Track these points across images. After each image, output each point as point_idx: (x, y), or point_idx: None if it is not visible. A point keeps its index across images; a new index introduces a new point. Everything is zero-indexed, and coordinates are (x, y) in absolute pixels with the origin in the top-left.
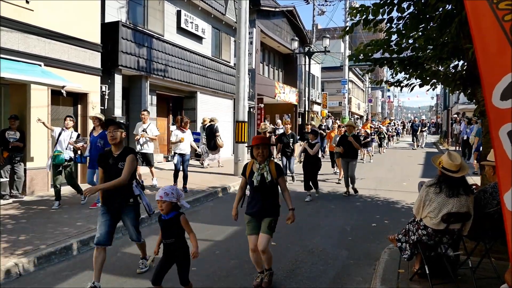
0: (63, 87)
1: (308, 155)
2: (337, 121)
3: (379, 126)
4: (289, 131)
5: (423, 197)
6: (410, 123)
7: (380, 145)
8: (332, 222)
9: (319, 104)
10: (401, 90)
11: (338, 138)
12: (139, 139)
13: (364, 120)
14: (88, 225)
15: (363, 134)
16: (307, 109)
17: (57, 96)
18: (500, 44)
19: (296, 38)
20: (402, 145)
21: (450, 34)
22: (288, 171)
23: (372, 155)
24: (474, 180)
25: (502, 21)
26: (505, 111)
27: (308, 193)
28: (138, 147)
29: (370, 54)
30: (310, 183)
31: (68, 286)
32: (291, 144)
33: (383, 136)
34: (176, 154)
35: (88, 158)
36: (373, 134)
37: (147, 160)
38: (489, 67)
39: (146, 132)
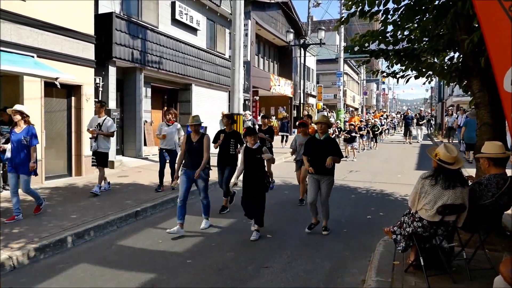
0: (56, 78)
1: (248, 167)
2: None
3: (372, 119)
4: (267, 126)
5: (419, 189)
6: (403, 116)
7: (374, 140)
8: None
9: (314, 96)
10: (397, 81)
11: (304, 143)
12: (95, 136)
13: (358, 112)
14: (83, 218)
15: (348, 129)
16: (302, 101)
17: (50, 88)
18: (508, 33)
19: (291, 30)
20: (398, 138)
21: (446, 26)
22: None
23: (362, 150)
24: (469, 172)
25: (508, 11)
26: None
27: (251, 222)
28: (93, 146)
29: (366, 45)
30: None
31: (63, 278)
32: (232, 146)
33: (376, 129)
34: (163, 151)
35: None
36: (363, 128)
37: (102, 160)
38: (499, 56)
39: (101, 128)
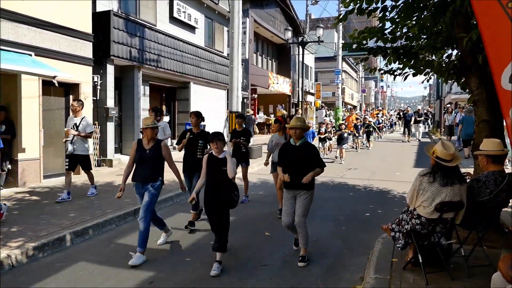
0: (54, 77)
1: (211, 179)
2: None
3: (369, 117)
4: (242, 127)
5: (417, 187)
6: (402, 113)
7: (368, 139)
8: (326, 212)
9: (312, 94)
10: (394, 78)
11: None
12: (73, 137)
13: (357, 110)
14: (82, 216)
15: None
16: (300, 99)
17: (48, 86)
18: (506, 31)
19: (290, 28)
20: (396, 136)
21: (444, 23)
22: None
23: (356, 149)
24: (467, 169)
25: (506, 8)
26: None
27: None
28: (69, 148)
29: (364, 43)
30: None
31: (61, 277)
32: (200, 150)
33: (372, 129)
34: None
35: None
36: (359, 126)
37: (84, 163)
38: (496, 53)
39: (78, 128)
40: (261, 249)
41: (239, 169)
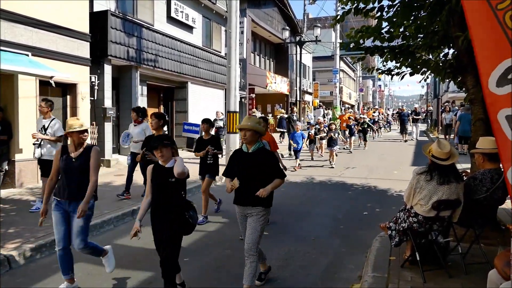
0: (51, 77)
1: (157, 195)
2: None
3: (361, 117)
4: (209, 135)
5: (414, 185)
6: (398, 113)
7: (364, 139)
8: (324, 211)
9: (310, 93)
10: (391, 78)
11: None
12: (41, 141)
13: (354, 109)
14: None
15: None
16: (298, 99)
17: (45, 86)
18: (494, 33)
19: (287, 27)
20: (394, 135)
21: (441, 23)
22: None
23: (349, 151)
24: (464, 167)
25: (496, 10)
26: (502, 96)
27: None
28: (37, 152)
29: (361, 41)
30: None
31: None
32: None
33: (367, 126)
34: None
35: None
36: (353, 126)
37: (50, 170)
38: (485, 55)
39: (46, 131)
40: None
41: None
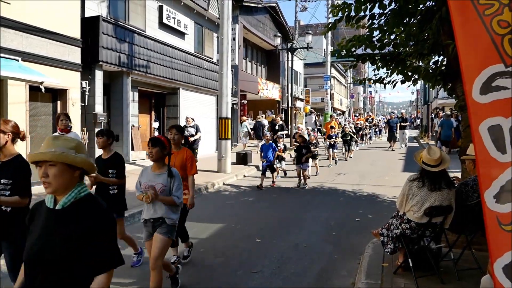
0: (41, 82)
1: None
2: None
3: (344, 125)
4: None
5: (406, 191)
6: (386, 120)
7: (346, 149)
8: (317, 217)
9: (302, 100)
10: (384, 87)
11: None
12: None
13: (344, 116)
14: None
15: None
16: (290, 105)
17: (35, 92)
18: (481, 39)
19: (279, 34)
20: (385, 142)
21: (431, 30)
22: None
23: (335, 163)
24: (455, 173)
25: (483, 16)
26: (485, 105)
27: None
28: None
29: (352, 50)
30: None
31: None
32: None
33: (348, 138)
34: None
35: None
36: (335, 136)
37: None
38: (469, 62)
39: None
40: (253, 255)
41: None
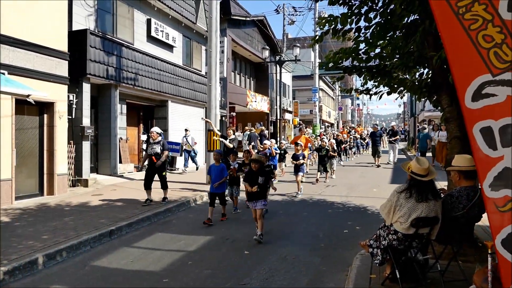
0: (28, 96)
1: None
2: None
3: (321, 139)
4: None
5: (394, 203)
6: (369, 133)
7: (324, 169)
8: (305, 229)
9: (290, 112)
10: (370, 98)
11: None
12: None
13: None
14: (55, 239)
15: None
16: (279, 117)
17: (21, 105)
18: (468, 52)
19: (267, 47)
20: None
21: (415, 43)
22: None
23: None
24: (441, 185)
25: (468, 31)
26: (477, 110)
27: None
28: None
29: (340, 62)
30: None
31: None
32: None
33: (324, 153)
34: None
35: None
36: (302, 156)
37: None
38: (460, 73)
39: None
40: (241, 267)
41: None
